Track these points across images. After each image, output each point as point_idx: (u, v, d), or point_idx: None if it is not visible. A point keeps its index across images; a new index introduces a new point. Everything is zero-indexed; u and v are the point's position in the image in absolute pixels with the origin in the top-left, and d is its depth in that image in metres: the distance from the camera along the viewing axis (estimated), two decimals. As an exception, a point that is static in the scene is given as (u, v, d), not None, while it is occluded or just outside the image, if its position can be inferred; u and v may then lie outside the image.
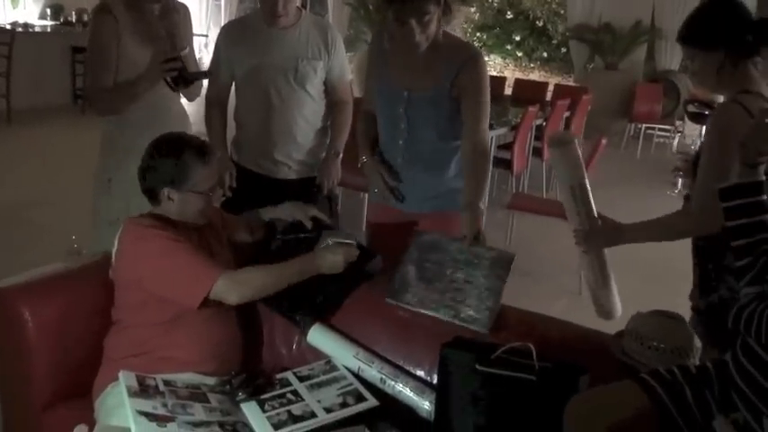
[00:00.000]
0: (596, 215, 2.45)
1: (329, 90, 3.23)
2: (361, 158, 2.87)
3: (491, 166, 2.62)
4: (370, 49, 2.87)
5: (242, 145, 3.28)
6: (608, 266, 2.51)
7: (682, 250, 2.48)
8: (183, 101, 3.18)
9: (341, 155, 3.28)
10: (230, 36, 3.21)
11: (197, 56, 3.40)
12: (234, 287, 2.15)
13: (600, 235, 2.44)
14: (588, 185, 2.45)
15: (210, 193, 2.28)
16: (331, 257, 2.30)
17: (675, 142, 9.71)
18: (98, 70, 2.96)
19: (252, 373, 2.26)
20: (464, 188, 2.59)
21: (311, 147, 3.23)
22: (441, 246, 2.42)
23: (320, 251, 2.35)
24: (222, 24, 12.61)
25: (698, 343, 1.97)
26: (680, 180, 7.24)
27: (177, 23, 3.04)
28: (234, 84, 3.24)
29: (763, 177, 1.82)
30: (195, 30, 3.41)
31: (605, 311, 2.54)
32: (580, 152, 2.46)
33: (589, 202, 2.44)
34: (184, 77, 2.91)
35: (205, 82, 3.18)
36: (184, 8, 3.16)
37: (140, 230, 2.18)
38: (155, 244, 2.15)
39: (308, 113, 3.16)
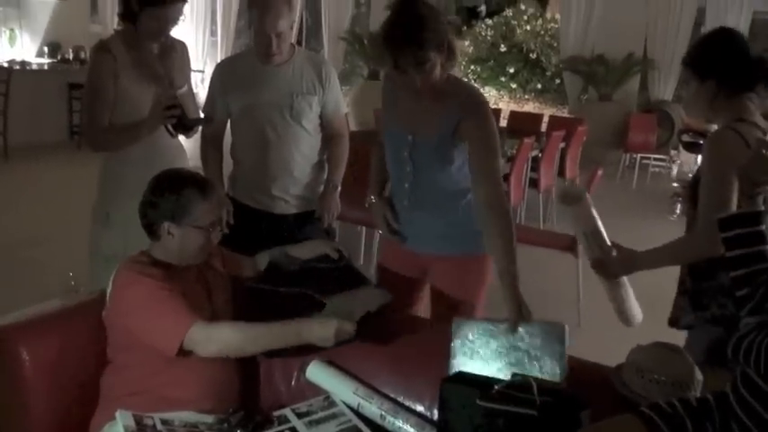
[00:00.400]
0: (611, 247, 2.49)
1: (325, 124, 3.24)
2: (369, 198, 2.82)
3: (511, 219, 2.44)
4: (384, 85, 2.75)
5: (239, 181, 3.28)
6: (625, 279, 2.54)
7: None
8: (181, 136, 3.18)
9: (339, 188, 3.29)
10: (224, 74, 3.22)
11: (193, 90, 3.41)
12: (203, 343, 2.11)
13: (615, 265, 2.48)
14: (601, 227, 2.50)
15: (211, 229, 2.28)
16: (320, 332, 2.14)
17: (675, 171, 9.76)
18: (94, 108, 2.98)
19: (250, 410, 2.25)
20: (494, 258, 2.45)
21: (308, 181, 3.23)
22: (486, 334, 2.18)
23: (310, 323, 2.19)
24: (218, 58, 12.77)
25: (699, 375, 1.96)
26: (678, 205, 7.42)
27: (175, 62, 3.07)
28: (229, 120, 3.25)
29: (762, 207, 1.83)
30: (192, 65, 3.42)
31: (626, 318, 2.58)
32: (591, 203, 2.49)
33: (603, 241, 2.49)
34: (184, 124, 2.94)
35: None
36: (182, 46, 3.18)
37: (131, 276, 2.18)
38: (140, 292, 2.14)
39: (304, 148, 3.17)
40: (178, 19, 2.97)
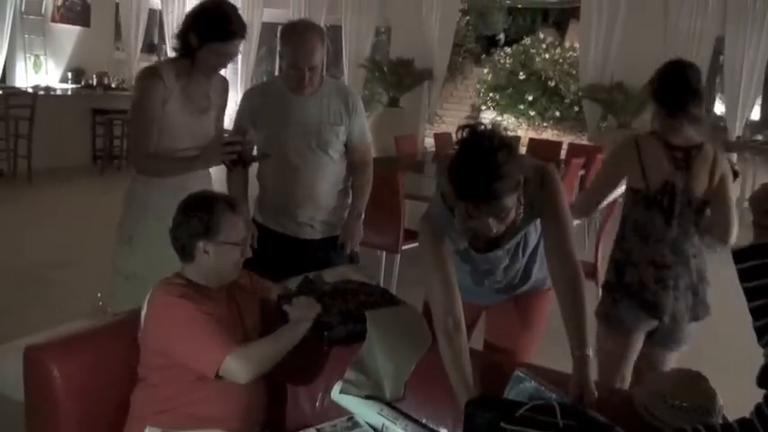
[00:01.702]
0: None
1: (350, 152, 3.28)
2: (460, 400, 2.11)
3: (583, 295, 2.21)
4: (427, 237, 2.34)
5: (265, 206, 3.32)
6: None
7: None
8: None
9: (362, 216, 3.32)
10: (253, 102, 3.27)
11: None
12: (242, 367, 2.12)
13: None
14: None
15: (243, 245, 2.30)
16: (296, 314, 2.33)
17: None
18: (143, 132, 2.95)
19: (276, 430, 2.26)
20: (567, 333, 2.17)
21: (333, 207, 3.27)
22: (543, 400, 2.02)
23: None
24: (238, 86, 12.81)
25: (721, 401, 1.97)
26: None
27: (217, 95, 3.11)
28: (256, 147, 3.27)
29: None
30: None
31: None
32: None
33: None
34: (243, 160, 2.93)
35: None
36: (224, 82, 3.21)
37: (169, 299, 2.20)
38: (180, 315, 2.16)
39: (330, 176, 3.22)
40: (236, 54, 2.96)
